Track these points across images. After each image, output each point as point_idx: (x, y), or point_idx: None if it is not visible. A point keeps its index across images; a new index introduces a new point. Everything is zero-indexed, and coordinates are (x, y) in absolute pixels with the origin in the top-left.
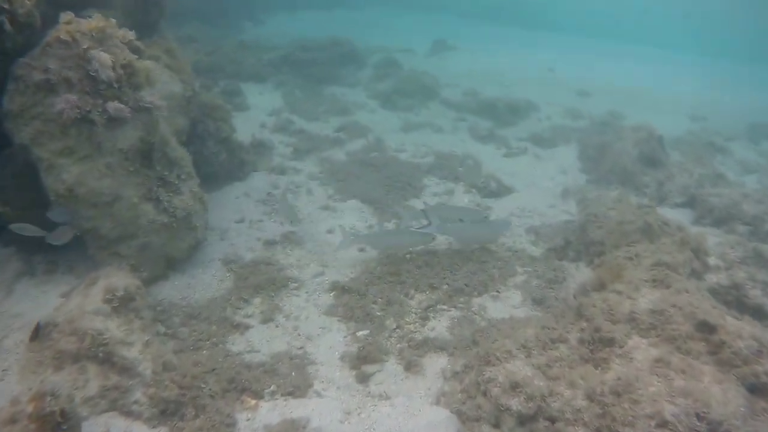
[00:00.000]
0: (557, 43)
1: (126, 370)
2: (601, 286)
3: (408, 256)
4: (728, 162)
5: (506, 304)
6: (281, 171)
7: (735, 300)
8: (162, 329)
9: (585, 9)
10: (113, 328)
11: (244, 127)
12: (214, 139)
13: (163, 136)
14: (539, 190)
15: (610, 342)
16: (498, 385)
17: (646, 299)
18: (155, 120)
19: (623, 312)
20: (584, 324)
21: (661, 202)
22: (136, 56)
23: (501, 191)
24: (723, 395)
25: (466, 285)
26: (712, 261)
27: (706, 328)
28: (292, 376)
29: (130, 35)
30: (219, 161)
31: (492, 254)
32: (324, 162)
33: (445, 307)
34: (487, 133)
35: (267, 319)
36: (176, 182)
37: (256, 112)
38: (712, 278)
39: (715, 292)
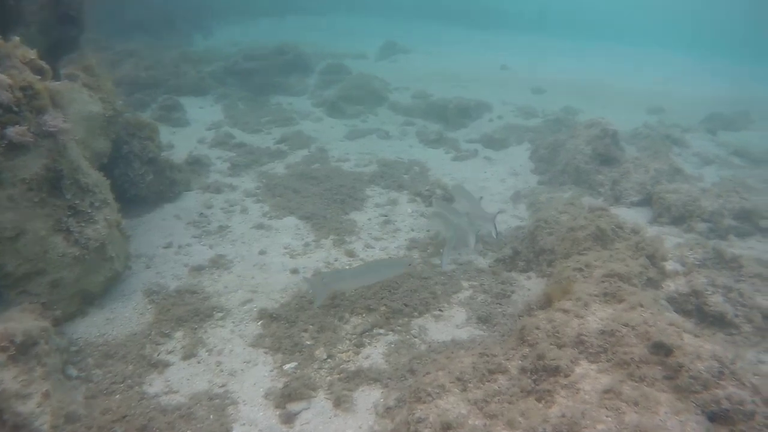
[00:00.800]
0: (515, 42)
1: (19, 427)
2: (547, 304)
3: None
4: (685, 154)
5: (449, 324)
6: (216, 189)
7: (695, 308)
8: (74, 372)
9: (544, 6)
10: (8, 379)
11: (183, 144)
12: (140, 160)
13: (72, 161)
14: (489, 195)
15: (554, 371)
16: (429, 425)
17: (596, 318)
18: (62, 145)
19: (570, 334)
20: (527, 350)
21: (617, 202)
22: (39, 77)
23: (447, 199)
24: (681, 429)
25: (405, 305)
26: (670, 266)
27: (661, 350)
28: (210, 420)
29: (31, 54)
30: (146, 183)
31: (435, 269)
32: (262, 177)
33: (382, 330)
34: (436, 137)
35: (188, 355)
36: (89, 211)
37: (196, 127)
38: (670, 286)
39: (673, 301)
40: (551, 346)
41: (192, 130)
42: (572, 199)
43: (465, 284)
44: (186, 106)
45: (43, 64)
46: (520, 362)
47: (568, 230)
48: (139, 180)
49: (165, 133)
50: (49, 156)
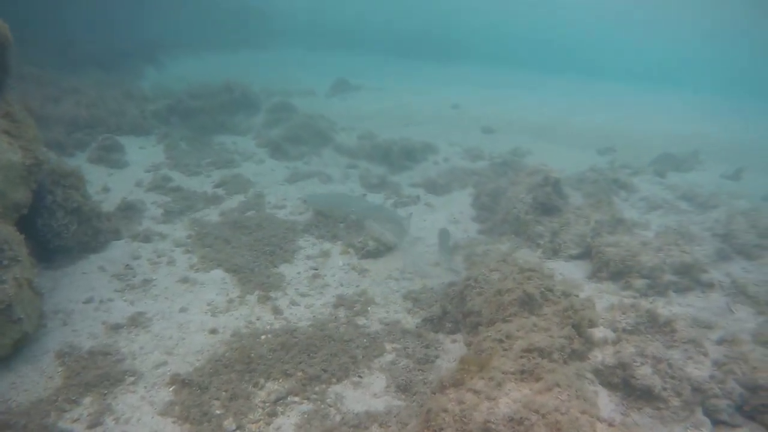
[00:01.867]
0: (469, 78)
1: None
2: (460, 380)
3: (264, 337)
4: (632, 199)
5: (367, 392)
6: (145, 238)
7: (622, 381)
8: None
9: (500, 41)
10: None
11: (119, 186)
12: (64, 210)
13: None
14: (425, 246)
15: None
16: None
17: (508, 400)
18: None
19: (477, 420)
20: None
21: (555, 255)
22: None
23: (380, 251)
24: None
25: (324, 370)
26: (600, 333)
27: None
28: None
29: None
30: (70, 233)
31: (359, 329)
32: (195, 224)
33: (297, 398)
34: (378, 181)
35: (94, 424)
36: None
37: (135, 169)
38: (597, 357)
39: (599, 374)
40: None
41: (130, 172)
42: (507, 254)
43: (388, 347)
44: (126, 146)
45: None
46: None
47: (495, 293)
48: (63, 230)
49: (101, 175)
50: None
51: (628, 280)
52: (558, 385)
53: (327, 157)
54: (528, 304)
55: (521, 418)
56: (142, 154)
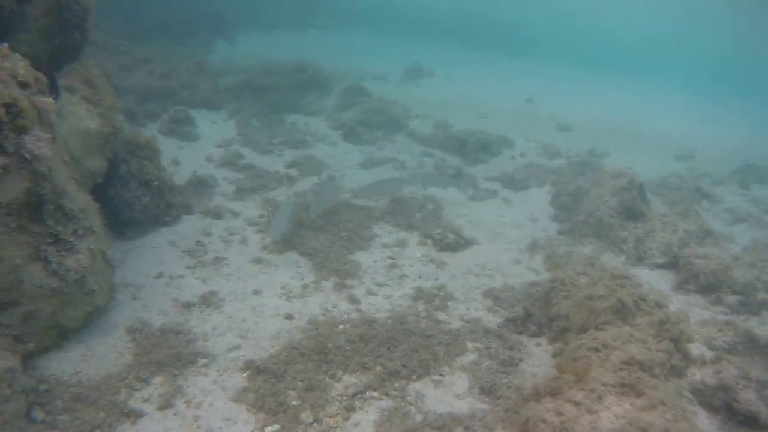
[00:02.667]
0: (542, 72)
1: None
2: (557, 390)
3: (341, 327)
4: (715, 209)
5: (449, 392)
6: (217, 214)
7: (723, 404)
8: (39, 416)
9: (572, 37)
10: None
11: (190, 160)
12: (138, 181)
13: (56, 185)
14: (504, 242)
15: None
16: None
17: (611, 415)
18: (45, 168)
19: None
20: None
21: (640, 262)
22: (27, 91)
23: (460, 244)
24: None
25: (403, 366)
26: (695, 349)
27: None
28: None
29: (20, 66)
30: (142, 205)
31: (440, 325)
32: (267, 204)
33: (375, 394)
34: (454, 172)
35: (164, 405)
36: (71, 239)
37: (205, 143)
38: (695, 375)
39: (699, 393)
40: None
41: (201, 146)
42: (592, 257)
43: (470, 346)
44: (198, 119)
45: (35, 75)
46: None
47: (586, 298)
48: (135, 202)
49: (172, 148)
50: (31, 179)
51: (719, 295)
52: (663, 404)
53: (401, 144)
54: (621, 312)
55: None
56: (213, 129)
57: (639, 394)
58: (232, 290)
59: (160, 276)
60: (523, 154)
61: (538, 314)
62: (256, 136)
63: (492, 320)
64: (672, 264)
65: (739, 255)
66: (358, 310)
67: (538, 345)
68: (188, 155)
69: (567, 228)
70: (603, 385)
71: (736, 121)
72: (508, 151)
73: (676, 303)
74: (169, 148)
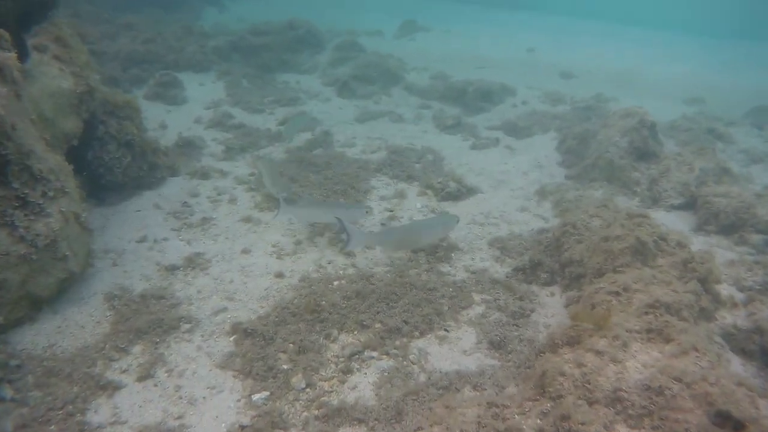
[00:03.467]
0: (542, 24)
1: None
2: (575, 339)
3: (336, 283)
4: (730, 151)
5: (455, 349)
6: (204, 175)
7: (759, 349)
8: (8, 394)
9: None
10: None
11: (177, 123)
12: (117, 142)
13: (22, 145)
14: (509, 190)
15: None
16: None
17: (638, 364)
18: (8, 126)
19: (605, 387)
20: (548, 405)
21: (655, 204)
22: None
23: (462, 193)
24: None
25: (405, 322)
26: (724, 290)
27: (728, 422)
28: None
29: None
30: (122, 167)
31: (443, 277)
32: (258, 162)
33: (375, 354)
34: (453, 122)
35: (144, 376)
36: (40, 202)
37: (194, 106)
38: (726, 318)
39: (731, 338)
40: (580, 403)
41: (189, 109)
42: (605, 199)
43: (477, 298)
44: (185, 82)
45: None
46: (538, 421)
47: (602, 239)
48: (115, 164)
49: (159, 112)
50: None
51: (742, 235)
52: (696, 349)
53: (397, 97)
54: (641, 253)
55: (660, 386)
56: (202, 91)
57: (668, 340)
58: (220, 251)
59: (143, 240)
60: (526, 102)
61: (548, 261)
62: (247, 96)
63: (499, 270)
64: (690, 204)
65: (761, 192)
66: (355, 265)
67: (550, 294)
68: (176, 119)
69: (575, 173)
70: (627, 331)
71: (746, 65)
72: (509, 99)
73: (698, 245)
74: (156, 112)
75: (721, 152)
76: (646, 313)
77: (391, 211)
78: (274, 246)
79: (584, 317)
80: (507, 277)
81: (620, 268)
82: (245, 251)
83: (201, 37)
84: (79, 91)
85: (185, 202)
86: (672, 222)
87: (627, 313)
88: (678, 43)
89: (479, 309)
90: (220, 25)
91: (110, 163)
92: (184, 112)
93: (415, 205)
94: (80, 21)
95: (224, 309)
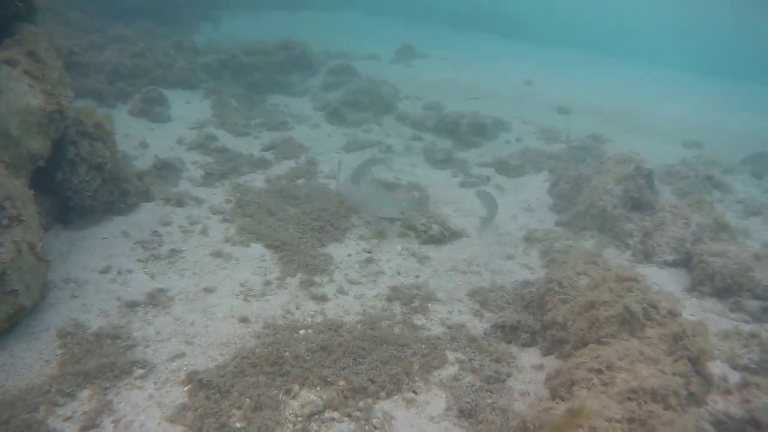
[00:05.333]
0: (540, 55)
1: None
2: (550, 426)
3: (303, 332)
4: (728, 200)
5: (422, 414)
6: (179, 202)
7: None
8: None
9: (572, 20)
10: None
11: (159, 143)
12: (88, 164)
13: None
14: (496, 235)
15: None
16: None
17: None
18: None
19: None
20: None
21: (647, 259)
22: None
23: (445, 236)
24: None
25: (371, 380)
26: (716, 369)
27: None
28: None
29: None
30: (92, 191)
31: (417, 332)
32: (237, 190)
33: (336, 414)
34: (444, 157)
35: (88, 425)
36: None
37: (178, 125)
38: (717, 403)
39: (722, 427)
40: None
41: (173, 128)
42: (594, 253)
43: (451, 357)
44: (171, 99)
45: None
46: None
47: (587, 304)
48: (84, 187)
49: (142, 129)
50: None
51: (738, 300)
52: None
53: (388, 126)
54: (629, 323)
55: None
56: (188, 109)
57: None
58: (185, 288)
59: (106, 270)
60: (520, 139)
61: (530, 320)
62: (234, 117)
63: (478, 326)
64: (684, 262)
65: (759, 253)
66: (324, 313)
67: (529, 356)
68: (158, 137)
69: (566, 219)
70: (607, 420)
71: (743, 107)
72: (503, 134)
73: (690, 308)
74: (138, 129)
75: (718, 202)
76: (629, 399)
77: (370, 252)
78: (242, 285)
79: (562, 396)
80: (485, 334)
81: (605, 339)
82: (211, 290)
83: (191, 53)
84: (49, 110)
85: (155, 231)
86: (664, 280)
87: (608, 395)
88: (678, 81)
89: (452, 370)
90: (214, 42)
91: (79, 186)
92: (168, 131)
93: (396, 248)
94: (69, 29)
95: (182, 354)
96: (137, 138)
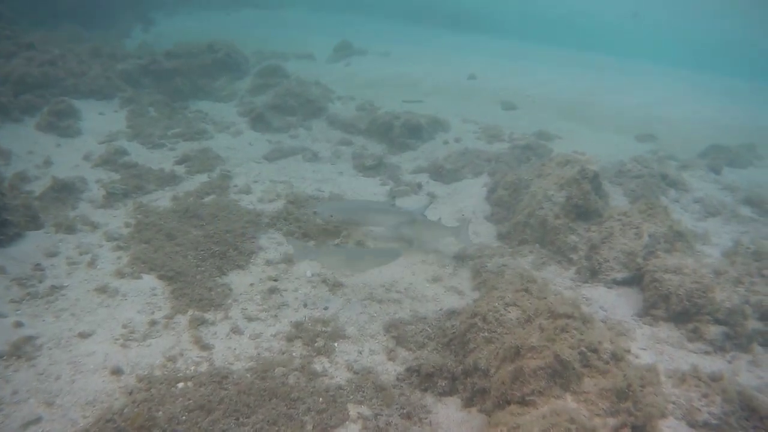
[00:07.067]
0: (489, 48)
1: None
2: None
3: (181, 385)
4: (684, 200)
5: None
6: (70, 228)
7: None
8: None
9: (525, 10)
10: None
11: (65, 160)
12: None
13: None
14: (423, 253)
15: None
16: None
17: None
18: None
19: None
20: None
21: (594, 277)
22: None
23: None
24: None
25: None
26: (669, 430)
27: None
28: None
29: None
30: None
31: (315, 380)
32: (139, 211)
33: None
34: (374, 162)
35: None
36: None
37: (87, 139)
38: None
39: None
40: None
41: (82, 142)
42: (528, 277)
43: (353, 412)
44: (83, 111)
45: None
46: None
47: (512, 349)
48: None
49: (48, 145)
50: None
51: (696, 326)
52: None
53: (317, 131)
54: (561, 375)
55: None
56: (100, 121)
57: None
58: (57, 333)
59: None
60: (459, 139)
61: (451, 362)
62: (150, 127)
63: (390, 369)
64: (635, 279)
65: (719, 267)
66: (211, 359)
67: (447, 409)
68: (64, 154)
69: (504, 230)
70: None
71: (703, 96)
72: (441, 134)
73: (641, 340)
74: (44, 146)
75: (674, 202)
76: None
77: (275, 280)
78: (124, 327)
79: None
80: (397, 380)
81: (531, 397)
82: (86, 335)
83: (109, 59)
84: None
85: (38, 265)
86: (613, 303)
87: None
88: (635, 71)
89: (353, 429)
90: (147, 46)
91: None
92: (76, 147)
93: (305, 273)
94: None
95: (37, 420)
96: (41, 155)
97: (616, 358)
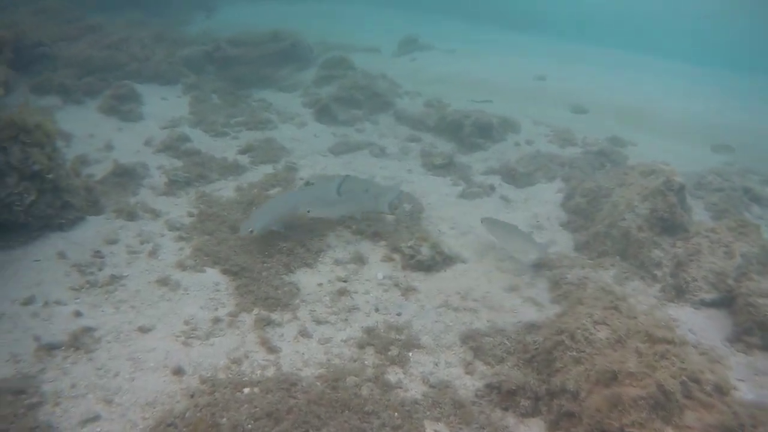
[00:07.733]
0: (553, 50)
1: None
2: None
3: (246, 391)
4: None
5: None
6: (131, 215)
7: None
8: None
9: (586, 13)
10: None
11: (126, 144)
12: (19, 174)
13: None
14: (497, 260)
15: None
16: None
17: None
18: None
19: None
20: None
21: (680, 296)
22: None
23: (437, 262)
24: None
25: None
26: None
27: None
28: None
29: None
30: (24, 205)
31: (390, 393)
32: (201, 201)
33: None
34: (443, 161)
35: None
36: None
37: (149, 124)
38: None
39: None
40: None
41: (143, 127)
42: (616, 293)
43: (429, 429)
44: (145, 96)
45: None
46: None
47: (608, 374)
48: (15, 201)
49: (109, 129)
50: None
51: None
52: None
53: (384, 125)
54: (663, 407)
55: None
56: (163, 107)
57: None
58: (117, 326)
59: (29, 302)
60: (530, 141)
61: (533, 381)
62: (213, 115)
63: (468, 384)
64: (725, 302)
65: None
66: (279, 363)
67: (529, 430)
68: (126, 138)
69: (582, 240)
70: None
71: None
72: (512, 136)
73: (737, 370)
74: (105, 130)
75: (758, 219)
76: None
77: (345, 281)
78: (186, 323)
79: None
80: (477, 396)
81: (631, 429)
82: (147, 329)
83: (173, 45)
84: None
85: (98, 252)
86: (701, 326)
87: None
88: (692, 74)
89: None
90: (209, 32)
91: (8, 200)
92: (137, 131)
93: (376, 275)
94: (44, 18)
95: (95, 418)
96: (102, 139)
97: (721, 391)
